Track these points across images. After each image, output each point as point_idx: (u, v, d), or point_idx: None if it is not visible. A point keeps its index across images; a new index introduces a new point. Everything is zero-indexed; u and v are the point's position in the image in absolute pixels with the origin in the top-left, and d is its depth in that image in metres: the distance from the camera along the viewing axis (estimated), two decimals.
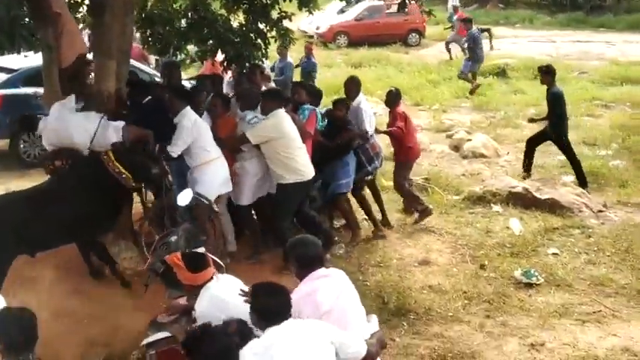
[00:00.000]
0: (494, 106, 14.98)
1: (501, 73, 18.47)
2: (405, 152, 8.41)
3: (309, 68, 15.20)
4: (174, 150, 6.62)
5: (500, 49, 22.51)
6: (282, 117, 6.88)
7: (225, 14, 8.56)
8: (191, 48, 9.24)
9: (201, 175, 6.79)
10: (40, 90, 10.56)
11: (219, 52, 8.46)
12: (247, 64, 8.34)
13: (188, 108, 6.74)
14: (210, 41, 8.15)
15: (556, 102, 9.64)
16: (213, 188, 6.89)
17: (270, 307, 3.60)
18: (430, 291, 6.82)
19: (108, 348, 5.61)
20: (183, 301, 4.75)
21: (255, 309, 3.65)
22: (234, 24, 8.54)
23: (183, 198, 5.80)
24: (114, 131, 6.34)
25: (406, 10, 25.33)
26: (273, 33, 8.54)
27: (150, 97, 7.30)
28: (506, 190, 9.07)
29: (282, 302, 3.63)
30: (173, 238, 5.13)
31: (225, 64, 8.58)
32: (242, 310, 3.78)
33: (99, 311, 6.08)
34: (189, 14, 8.32)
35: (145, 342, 4.48)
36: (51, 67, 6.02)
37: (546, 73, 9.89)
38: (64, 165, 6.54)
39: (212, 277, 4.20)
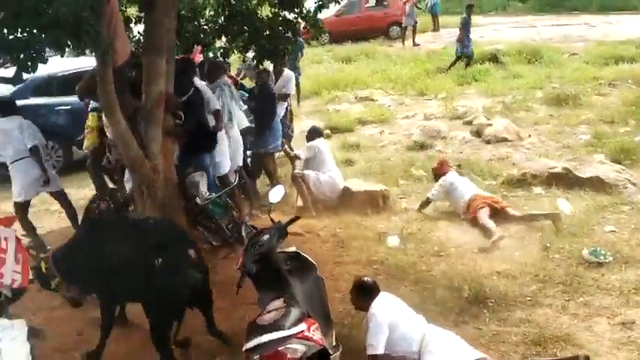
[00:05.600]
0: (499, 91, 14.88)
1: (493, 58, 18.39)
2: None
3: None
4: None
5: (484, 36, 22.50)
6: None
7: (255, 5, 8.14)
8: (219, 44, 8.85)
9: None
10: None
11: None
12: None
13: None
14: (245, 35, 7.72)
15: None
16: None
17: None
18: (500, 277, 6.63)
19: None
20: (279, 303, 4.53)
21: None
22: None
23: (277, 194, 5.49)
24: None
25: (385, 3, 25.63)
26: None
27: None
28: (545, 171, 8.92)
29: None
30: (266, 237, 4.98)
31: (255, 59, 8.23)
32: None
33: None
34: (219, 9, 7.93)
35: (247, 346, 4.22)
36: (105, 68, 5.63)
37: None
38: None
39: None
